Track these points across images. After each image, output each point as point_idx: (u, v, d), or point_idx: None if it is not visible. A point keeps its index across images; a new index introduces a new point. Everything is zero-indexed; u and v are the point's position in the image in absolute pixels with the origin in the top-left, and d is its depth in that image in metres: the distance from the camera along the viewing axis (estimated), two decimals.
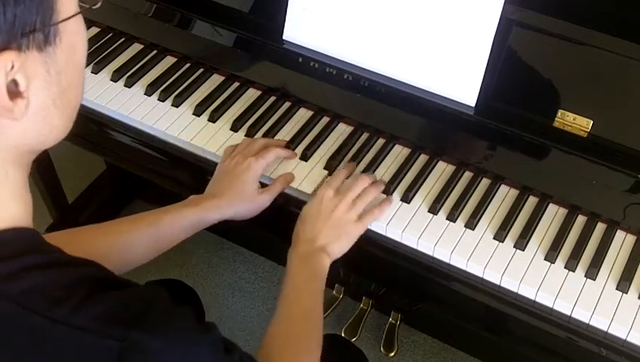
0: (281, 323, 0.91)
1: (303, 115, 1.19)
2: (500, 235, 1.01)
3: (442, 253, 1.00)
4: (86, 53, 0.62)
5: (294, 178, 1.09)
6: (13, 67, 0.53)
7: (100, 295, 0.58)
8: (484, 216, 1.04)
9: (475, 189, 1.07)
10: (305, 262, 0.96)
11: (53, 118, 0.60)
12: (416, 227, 1.03)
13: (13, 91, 0.55)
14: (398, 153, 1.13)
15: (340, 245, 0.99)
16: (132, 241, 0.96)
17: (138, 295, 0.61)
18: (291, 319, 0.92)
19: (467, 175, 1.09)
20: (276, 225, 1.09)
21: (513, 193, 1.07)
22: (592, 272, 0.96)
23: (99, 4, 0.61)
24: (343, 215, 0.99)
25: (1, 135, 0.57)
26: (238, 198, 1.02)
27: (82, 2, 0.59)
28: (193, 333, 0.61)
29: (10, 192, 0.60)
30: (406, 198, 1.06)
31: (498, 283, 0.98)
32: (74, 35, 0.59)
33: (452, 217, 1.03)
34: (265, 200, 1.05)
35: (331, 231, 0.98)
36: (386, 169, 1.10)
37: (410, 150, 1.13)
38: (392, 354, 1.61)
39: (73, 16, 0.57)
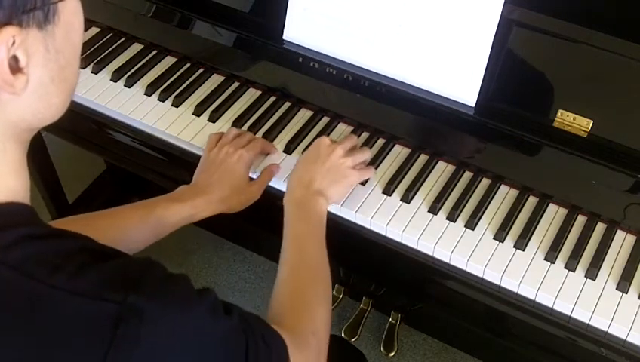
0: (287, 279, 0.90)
1: (303, 115, 1.19)
2: (500, 235, 1.01)
3: (442, 253, 1.00)
4: (82, 34, 0.64)
5: (280, 168, 1.09)
6: (14, 43, 0.55)
7: (98, 262, 0.59)
8: (484, 216, 1.04)
9: (475, 189, 1.07)
10: (302, 207, 0.96)
11: (51, 96, 0.61)
12: (417, 227, 1.03)
13: (14, 67, 0.56)
14: (398, 153, 1.13)
15: (337, 189, 1.00)
16: (122, 234, 0.96)
17: (135, 262, 0.62)
18: (297, 271, 0.91)
19: (467, 175, 1.09)
20: (277, 225, 1.09)
21: (513, 193, 1.07)
22: (592, 272, 0.96)
23: None
24: (339, 159, 1.01)
25: (3, 109, 0.58)
26: (230, 192, 1.03)
27: None
28: (190, 297, 0.63)
29: (9, 167, 0.61)
30: (406, 198, 1.06)
31: (498, 283, 0.98)
32: (72, 15, 0.61)
33: (452, 217, 1.03)
34: (256, 191, 1.05)
35: (328, 175, 0.99)
36: (386, 169, 1.10)
37: (410, 150, 1.13)
38: (392, 354, 1.61)
39: None
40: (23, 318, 0.56)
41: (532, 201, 1.06)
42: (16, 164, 0.62)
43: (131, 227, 0.96)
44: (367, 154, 1.07)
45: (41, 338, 0.56)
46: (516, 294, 0.97)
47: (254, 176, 1.09)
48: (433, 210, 1.04)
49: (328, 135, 1.16)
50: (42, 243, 0.59)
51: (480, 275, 0.99)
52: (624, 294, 0.95)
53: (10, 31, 0.54)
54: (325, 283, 0.91)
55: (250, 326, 0.69)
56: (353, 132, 1.16)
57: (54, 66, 0.60)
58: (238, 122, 1.17)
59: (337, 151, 1.01)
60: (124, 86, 1.24)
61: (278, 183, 1.09)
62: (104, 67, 1.27)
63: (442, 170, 1.10)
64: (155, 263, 0.63)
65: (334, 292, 1.64)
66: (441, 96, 1.09)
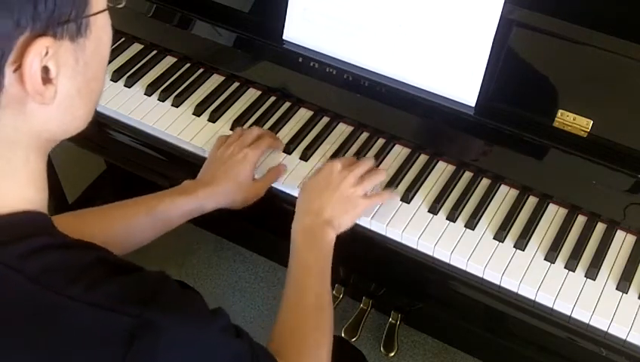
0: (290, 308, 0.90)
1: (303, 115, 1.19)
2: (500, 235, 1.01)
3: (442, 253, 1.00)
4: (110, 49, 0.66)
5: (286, 168, 1.10)
6: (47, 53, 0.56)
7: (114, 275, 0.60)
8: (484, 216, 1.04)
9: (475, 189, 1.07)
10: (310, 236, 0.95)
11: (76, 108, 0.62)
12: (416, 227, 1.03)
13: (44, 78, 0.57)
14: (398, 153, 1.13)
15: (346, 219, 0.98)
16: (129, 227, 0.96)
17: (151, 277, 0.63)
18: (300, 302, 0.91)
19: (467, 175, 1.09)
20: (277, 226, 1.09)
21: (513, 193, 1.07)
22: (592, 272, 0.96)
23: (122, 4, 0.68)
24: (350, 188, 0.99)
25: (29, 119, 0.59)
26: (235, 188, 1.03)
27: (108, 1, 0.64)
28: (205, 314, 0.63)
29: (29, 177, 0.62)
30: (406, 198, 1.06)
31: (498, 283, 0.98)
32: (101, 30, 0.63)
33: (452, 217, 1.03)
34: (260, 189, 1.06)
35: (338, 204, 0.98)
36: (386, 169, 1.10)
37: (410, 150, 1.13)
38: (392, 354, 1.60)
39: (103, 11, 0.62)
40: (39, 328, 0.57)
41: (532, 201, 1.06)
42: (37, 175, 0.63)
43: (138, 220, 0.97)
44: (380, 177, 1.04)
45: (56, 348, 0.57)
46: (516, 294, 0.97)
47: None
48: (433, 210, 1.04)
49: (328, 135, 1.16)
50: (59, 254, 0.59)
51: (480, 275, 0.99)
52: (624, 294, 0.95)
53: (45, 42, 0.55)
54: (328, 313, 0.92)
55: (257, 356, 0.69)
56: (353, 132, 1.16)
57: (82, 79, 0.61)
58: (238, 122, 1.17)
59: (349, 179, 0.99)
60: (124, 86, 1.24)
61: (278, 184, 1.09)
62: None
63: (442, 170, 1.10)
64: (170, 278, 0.64)
65: (334, 292, 1.64)
66: (441, 96, 1.09)
